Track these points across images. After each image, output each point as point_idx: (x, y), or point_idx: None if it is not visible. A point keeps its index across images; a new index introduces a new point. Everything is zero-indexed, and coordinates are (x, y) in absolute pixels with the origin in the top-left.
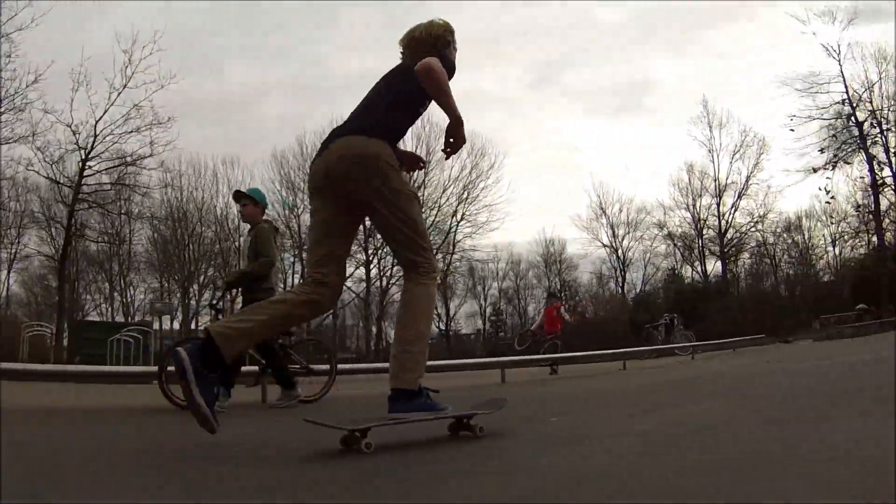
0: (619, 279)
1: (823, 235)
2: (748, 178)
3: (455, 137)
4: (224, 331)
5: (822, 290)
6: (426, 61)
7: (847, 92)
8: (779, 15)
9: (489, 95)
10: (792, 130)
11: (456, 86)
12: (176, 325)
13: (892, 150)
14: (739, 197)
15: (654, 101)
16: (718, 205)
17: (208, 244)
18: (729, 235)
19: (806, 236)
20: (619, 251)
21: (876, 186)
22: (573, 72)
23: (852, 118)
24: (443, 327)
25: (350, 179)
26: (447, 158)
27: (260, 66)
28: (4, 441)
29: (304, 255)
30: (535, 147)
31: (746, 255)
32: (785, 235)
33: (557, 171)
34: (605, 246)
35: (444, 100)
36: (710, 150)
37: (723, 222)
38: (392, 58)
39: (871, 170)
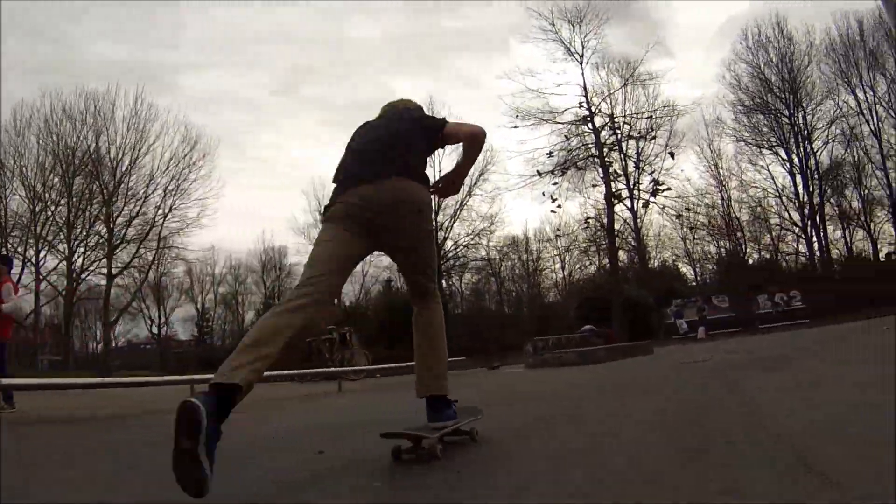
0: None
1: (551, 254)
2: (470, 188)
3: (456, 185)
4: (251, 377)
5: (548, 310)
6: (479, 128)
7: (586, 94)
8: (529, 48)
9: (231, 95)
10: (515, 128)
11: None
12: None
13: (633, 159)
14: (462, 207)
15: None
16: (436, 215)
17: None
18: (448, 247)
19: (534, 256)
20: None
21: (610, 198)
22: (316, 83)
23: (589, 123)
24: (155, 331)
25: (402, 223)
26: (443, 197)
27: None
28: None
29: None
30: (269, 156)
31: (469, 271)
32: (511, 253)
33: (281, 177)
34: None
35: (473, 161)
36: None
37: (440, 234)
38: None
39: (607, 179)
